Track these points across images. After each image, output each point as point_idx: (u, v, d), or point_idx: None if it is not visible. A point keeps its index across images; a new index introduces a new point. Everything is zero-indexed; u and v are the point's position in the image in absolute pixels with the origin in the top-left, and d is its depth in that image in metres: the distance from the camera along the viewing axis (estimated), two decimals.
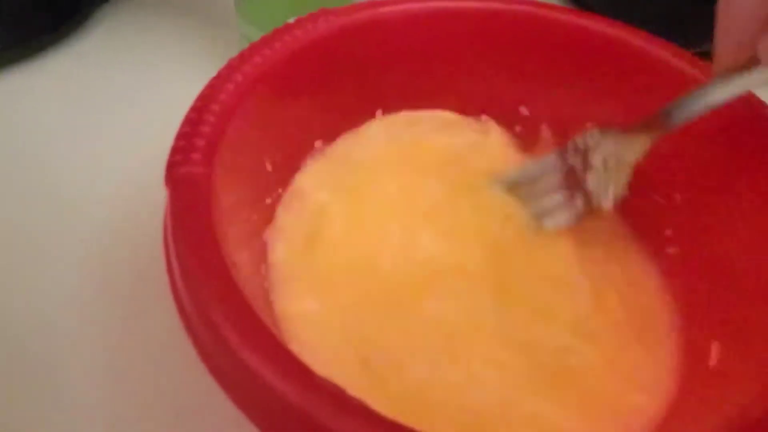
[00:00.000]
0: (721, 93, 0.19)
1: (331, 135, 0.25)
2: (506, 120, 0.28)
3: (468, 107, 0.27)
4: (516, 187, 0.23)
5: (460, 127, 0.27)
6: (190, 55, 0.36)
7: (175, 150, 0.18)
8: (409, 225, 0.24)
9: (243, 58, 0.21)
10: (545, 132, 0.28)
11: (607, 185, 0.19)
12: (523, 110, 0.27)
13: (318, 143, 0.25)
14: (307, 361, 0.14)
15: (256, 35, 0.30)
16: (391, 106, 0.27)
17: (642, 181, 0.25)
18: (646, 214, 0.24)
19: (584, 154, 0.20)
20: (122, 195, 0.28)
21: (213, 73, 0.33)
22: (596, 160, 0.20)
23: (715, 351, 0.20)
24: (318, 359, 0.15)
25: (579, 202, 0.21)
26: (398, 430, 0.13)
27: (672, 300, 0.22)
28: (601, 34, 0.25)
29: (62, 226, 0.26)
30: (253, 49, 0.22)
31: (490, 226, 0.23)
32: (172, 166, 0.18)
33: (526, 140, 0.27)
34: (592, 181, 0.20)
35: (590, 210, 0.21)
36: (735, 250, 0.22)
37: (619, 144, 0.19)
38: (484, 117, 0.28)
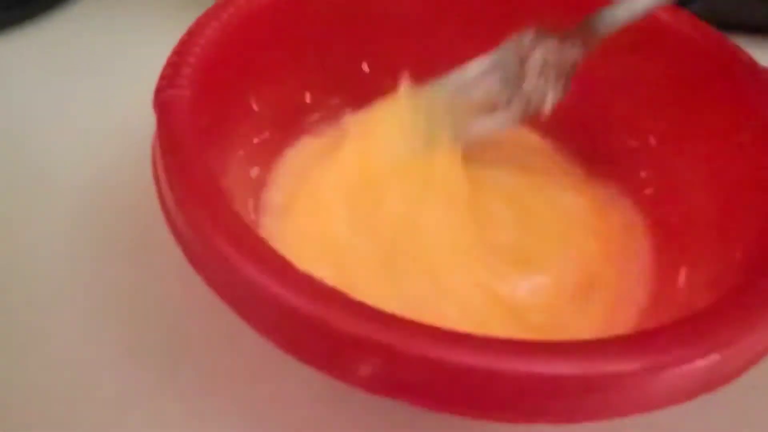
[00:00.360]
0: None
1: (324, 92, 0.26)
2: None
3: None
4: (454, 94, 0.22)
5: None
6: (173, 16, 0.36)
7: (163, 76, 0.19)
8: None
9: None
10: None
11: (546, 89, 0.19)
12: None
13: (308, 97, 0.26)
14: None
15: None
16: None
17: (618, 125, 0.26)
18: (622, 158, 0.25)
19: (521, 57, 0.20)
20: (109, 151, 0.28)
21: None
22: (534, 63, 0.19)
23: (682, 275, 0.20)
24: None
25: (515, 107, 0.21)
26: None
27: (646, 230, 0.23)
28: None
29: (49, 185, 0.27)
30: None
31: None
32: (159, 90, 0.18)
33: None
34: (529, 84, 0.20)
35: (526, 115, 0.20)
36: (701, 187, 0.22)
37: (556, 48, 0.19)
38: None
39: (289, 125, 0.25)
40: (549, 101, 0.20)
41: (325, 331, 0.13)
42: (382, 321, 0.13)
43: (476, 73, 0.22)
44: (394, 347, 0.13)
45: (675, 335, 0.14)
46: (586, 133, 0.26)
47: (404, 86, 0.23)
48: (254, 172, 0.23)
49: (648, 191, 0.25)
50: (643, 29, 0.24)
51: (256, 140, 0.23)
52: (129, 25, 0.36)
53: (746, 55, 0.23)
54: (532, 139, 0.26)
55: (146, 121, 0.27)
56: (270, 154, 0.24)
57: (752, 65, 0.23)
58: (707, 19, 0.24)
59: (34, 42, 0.34)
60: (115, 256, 0.24)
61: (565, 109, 0.23)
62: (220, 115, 0.20)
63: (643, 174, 0.25)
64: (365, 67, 0.28)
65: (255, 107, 0.23)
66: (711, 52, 0.23)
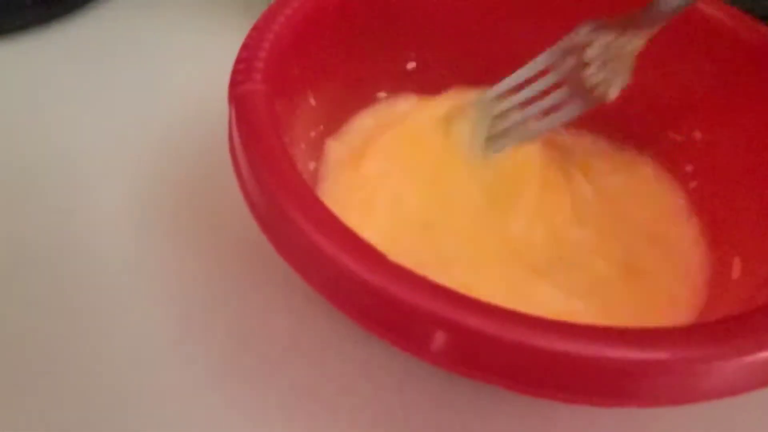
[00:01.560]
0: None
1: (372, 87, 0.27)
2: None
3: None
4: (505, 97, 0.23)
5: None
6: (217, 12, 0.37)
7: (237, 71, 0.19)
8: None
9: None
10: None
11: (609, 80, 0.20)
12: None
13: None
14: None
15: None
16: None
17: (661, 120, 0.26)
18: (667, 152, 0.26)
19: (578, 53, 0.20)
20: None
21: (242, 25, 0.34)
22: (592, 54, 0.20)
23: (737, 267, 0.21)
24: None
25: (578, 100, 0.21)
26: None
27: (697, 222, 0.23)
28: None
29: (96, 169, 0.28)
30: None
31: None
32: (234, 85, 0.19)
33: None
34: (591, 75, 0.20)
35: (590, 107, 0.21)
36: (746, 181, 0.23)
37: (615, 39, 0.20)
38: None
39: (339, 119, 0.26)
40: (613, 91, 0.20)
41: (404, 310, 0.14)
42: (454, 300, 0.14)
43: (533, 72, 0.22)
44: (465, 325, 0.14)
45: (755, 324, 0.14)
46: (630, 128, 0.27)
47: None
48: (312, 165, 0.24)
49: (693, 185, 0.25)
50: (689, 22, 0.25)
51: (312, 134, 0.24)
52: (156, 21, 0.37)
53: None
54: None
55: (181, 112, 0.28)
56: (322, 147, 0.25)
57: None
58: (751, 12, 0.25)
59: (63, 40, 0.34)
60: (182, 243, 0.25)
61: (613, 106, 0.24)
62: (287, 109, 0.21)
63: (688, 168, 0.26)
64: (411, 65, 0.28)
65: (312, 102, 0.24)
66: (754, 45, 0.24)
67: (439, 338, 0.15)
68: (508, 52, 0.24)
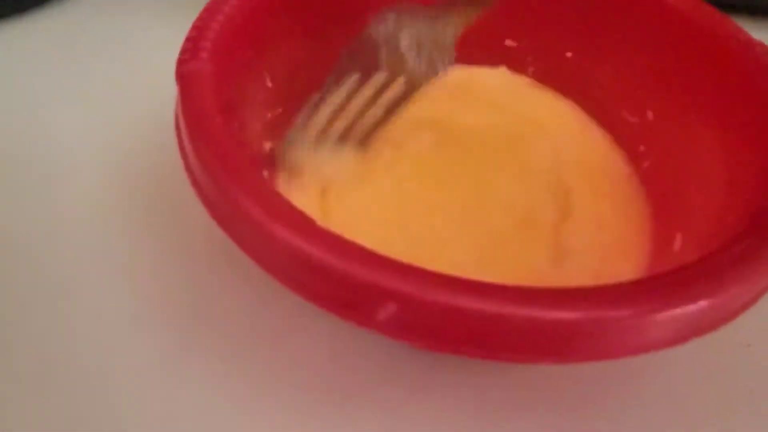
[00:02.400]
0: None
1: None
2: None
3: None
4: None
5: None
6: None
7: (184, 50, 0.20)
8: None
9: None
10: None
11: (430, 66, 0.19)
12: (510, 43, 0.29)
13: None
14: None
15: None
16: None
17: (615, 100, 0.27)
18: (620, 131, 0.26)
19: (391, 42, 0.20)
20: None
21: None
22: (404, 44, 0.19)
23: (678, 240, 0.21)
24: None
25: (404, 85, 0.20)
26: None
27: (644, 197, 0.24)
28: None
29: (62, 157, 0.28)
30: None
31: None
32: (181, 63, 0.19)
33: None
34: (411, 66, 0.19)
35: (417, 88, 0.20)
36: (696, 161, 0.23)
37: (427, 28, 0.19)
38: None
39: (300, 101, 0.27)
40: (437, 72, 0.19)
41: (349, 282, 0.15)
42: (397, 269, 0.15)
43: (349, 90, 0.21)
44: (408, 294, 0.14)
45: (668, 282, 0.15)
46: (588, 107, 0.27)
47: None
48: (267, 145, 0.24)
49: (645, 164, 0.26)
50: (645, 7, 0.25)
51: (269, 115, 0.24)
52: (132, 10, 0.37)
53: (742, 32, 0.24)
54: None
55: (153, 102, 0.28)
56: (282, 128, 0.26)
57: (747, 41, 0.23)
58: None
59: (40, 29, 0.34)
60: (143, 229, 0.25)
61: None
62: (238, 89, 0.21)
63: (641, 148, 0.26)
64: None
65: (269, 84, 0.24)
66: (706, 28, 0.24)
67: (384, 307, 0.15)
68: None
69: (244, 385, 0.21)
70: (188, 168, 0.18)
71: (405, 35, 0.19)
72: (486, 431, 0.20)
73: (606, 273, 0.22)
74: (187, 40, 0.20)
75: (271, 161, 0.24)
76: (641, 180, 0.25)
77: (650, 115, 0.26)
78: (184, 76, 0.19)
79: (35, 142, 0.29)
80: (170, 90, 0.28)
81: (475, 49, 0.29)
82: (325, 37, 0.26)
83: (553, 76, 0.29)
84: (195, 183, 0.18)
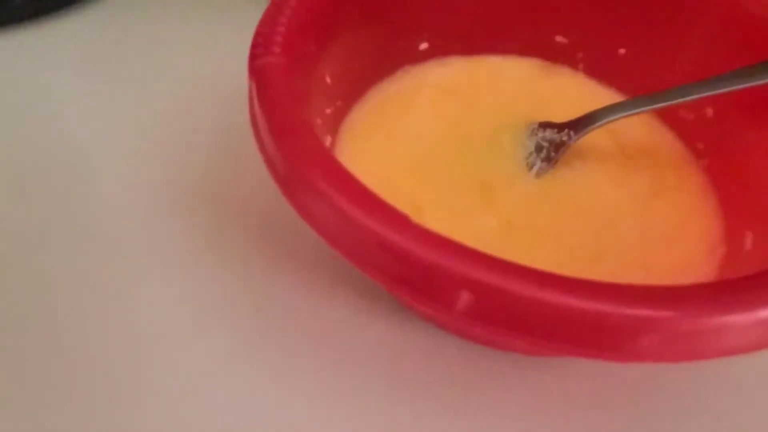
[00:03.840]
0: (637, 107, 0.24)
1: (387, 66, 0.27)
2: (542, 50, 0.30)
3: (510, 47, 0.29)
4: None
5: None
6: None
7: (256, 44, 0.20)
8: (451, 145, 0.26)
9: None
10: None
11: (535, 162, 0.25)
12: (560, 39, 0.29)
13: (375, 71, 0.27)
14: None
15: None
16: (444, 46, 0.29)
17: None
18: (678, 128, 0.26)
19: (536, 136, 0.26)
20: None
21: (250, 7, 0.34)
22: (531, 144, 0.26)
23: (749, 239, 0.21)
24: None
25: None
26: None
27: (712, 198, 0.24)
28: None
29: (115, 157, 0.28)
30: None
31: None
32: (253, 58, 0.19)
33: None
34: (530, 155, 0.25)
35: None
36: (760, 156, 0.23)
37: (552, 134, 0.25)
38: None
39: (355, 95, 0.27)
40: (535, 170, 0.25)
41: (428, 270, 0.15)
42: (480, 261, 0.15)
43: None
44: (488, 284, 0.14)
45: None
46: None
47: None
48: (328, 140, 0.24)
49: (704, 162, 0.25)
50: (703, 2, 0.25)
51: (328, 111, 0.24)
52: (155, 12, 0.37)
53: None
54: None
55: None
56: (338, 122, 0.25)
57: None
58: None
59: (64, 34, 0.34)
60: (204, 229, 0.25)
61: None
62: (304, 84, 0.21)
63: (700, 145, 0.26)
64: (423, 46, 0.29)
65: (328, 80, 0.24)
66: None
67: (464, 298, 0.15)
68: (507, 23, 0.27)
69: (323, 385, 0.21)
70: (268, 160, 0.18)
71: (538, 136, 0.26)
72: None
73: (678, 272, 0.21)
74: (258, 34, 0.20)
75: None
76: (705, 177, 0.25)
77: (709, 111, 0.26)
78: (258, 70, 0.19)
79: (72, 144, 0.29)
80: (204, 87, 0.28)
81: (526, 44, 0.29)
82: (379, 29, 0.26)
83: (606, 72, 0.29)
84: (276, 175, 0.18)
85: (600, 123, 0.24)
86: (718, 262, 0.22)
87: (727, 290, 0.15)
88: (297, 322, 0.22)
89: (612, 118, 0.24)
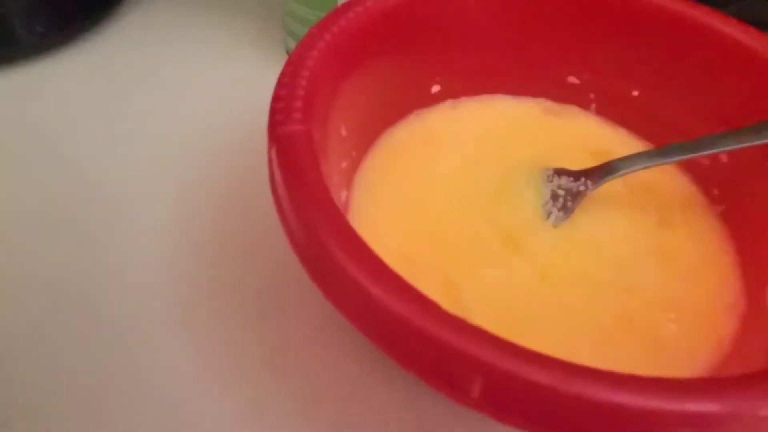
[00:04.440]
0: (656, 160, 0.24)
1: (399, 111, 0.27)
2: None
3: (522, 88, 0.29)
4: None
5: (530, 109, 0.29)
6: (230, 33, 0.37)
7: (275, 111, 0.19)
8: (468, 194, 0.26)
9: (322, 27, 0.23)
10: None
11: (551, 211, 0.25)
12: (572, 80, 0.29)
13: (387, 116, 0.27)
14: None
15: (302, 11, 0.32)
16: (457, 88, 0.29)
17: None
18: (693, 173, 0.26)
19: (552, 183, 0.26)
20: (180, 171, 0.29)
21: (255, 51, 0.34)
22: (547, 191, 0.26)
23: None
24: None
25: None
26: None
27: (730, 248, 0.24)
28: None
29: (126, 199, 0.28)
30: (329, 20, 0.23)
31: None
32: (275, 125, 0.19)
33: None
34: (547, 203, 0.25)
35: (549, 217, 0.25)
36: None
37: (568, 182, 0.26)
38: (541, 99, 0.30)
39: (368, 142, 0.26)
40: (552, 218, 0.25)
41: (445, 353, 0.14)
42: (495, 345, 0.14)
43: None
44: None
45: None
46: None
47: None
48: (344, 195, 0.24)
49: (720, 208, 0.25)
50: (715, 46, 0.25)
51: (344, 164, 0.24)
52: (191, 36, 0.37)
53: None
54: None
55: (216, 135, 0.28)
56: (352, 174, 0.25)
57: None
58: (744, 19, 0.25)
59: (78, 62, 0.34)
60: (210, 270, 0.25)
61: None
62: (322, 145, 0.21)
63: (715, 191, 0.26)
64: (435, 89, 0.28)
65: (344, 133, 0.24)
66: None
67: (485, 386, 0.15)
68: (519, 63, 0.28)
69: None
70: (292, 236, 0.18)
71: (554, 183, 0.26)
72: None
73: (700, 328, 0.21)
74: (278, 99, 0.20)
75: (346, 209, 0.24)
76: (722, 224, 0.25)
77: (724, 158, 0.26)
78: (281, 139, 0.19)
79: (87, 180, 0.28)
80: (219, 122, 0.28)
81: (539, 84, 0.29)
82: (393, 74, 0.26)
83: (618, 113, 0.29)
84: (298, 247, 0.17)
85: (618, 174, 0.24)
86: (738, 316, 0.22)
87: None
88: (311, 378, 0.22)
89: (630, 169, 0.24)
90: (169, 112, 0.32)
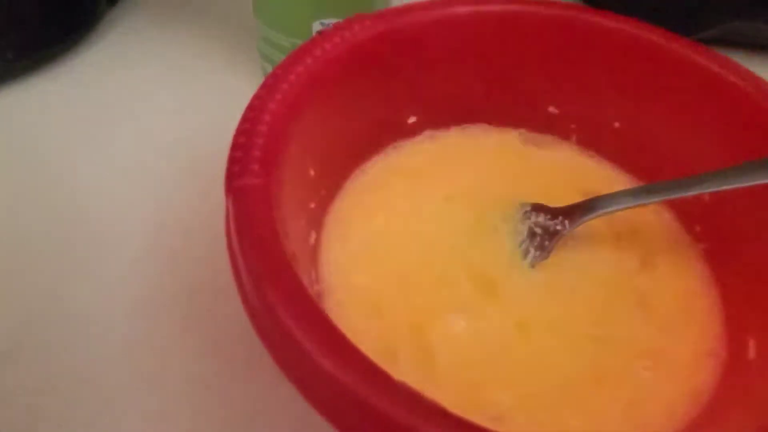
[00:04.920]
0: (639, 199, 0.23)
1: (375, 145, 0.26)
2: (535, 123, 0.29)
3: (502, 117, 0.28)
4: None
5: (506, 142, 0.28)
6: (205, 57, 0.36)
7: (234, 161, 0.19)
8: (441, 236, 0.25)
9: (286, 67, 0.22)
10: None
11: (531, 248, 0.24)
12: (552, 110, 0.28)
13: (361, 151, 0.26)
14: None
15: (276, 38, 0.31)
16: (435, 118, 0.28)
17: (668, 174, 0.26)
18: (675, 209, 0.26)
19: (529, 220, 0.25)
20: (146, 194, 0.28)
21: (230, 75, 0.33)
22: (524, 229, 0.25)
23: (752, 346, 0.20)
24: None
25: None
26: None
27: (713, 291, 0.23)
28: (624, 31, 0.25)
29: (91, 235, 0.27)
30: (295, 57, 0.22)
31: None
32: (231, 177, 0.18)
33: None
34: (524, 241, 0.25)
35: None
36: (759, 242, 0.22)
37: (545, 220, 0.25)
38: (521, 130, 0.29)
39: (338, 182, 0.26)
40: (529, 258, 0.24)
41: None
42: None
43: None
44: None
45: None
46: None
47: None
48: (312, 237, 0.23)
49: (702, 246, 0.25)
50: (696, 79, 0.24)
51: (313, 205, 0.23)
52: (165, 58, 0.36)
53: None
54: None
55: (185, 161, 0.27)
56: (322, 213, 0.25)
57: None
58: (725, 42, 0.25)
59: (46, 92, 0.34)
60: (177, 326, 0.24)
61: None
62: (287, 191, 0.20)
63: (697, 228, 0.25)
64: (411, 119, 0.28)
65: (312, 173, 0.23)
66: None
67: None
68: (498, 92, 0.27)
69: None
70: (242, 291, 0.17)
71: (530, 221, 0.25)
72: None
73: (677, 379, 0.21)
74: (236, 148, 0.19)
75: (315, 252, 0.23)
76: (705, 264, 0.24)
77: (705, 196, 0.25)
78: (236, 191, 0.18)
79: (58, 213, 0.28)
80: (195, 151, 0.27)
81: (519, 114, 0.29)
82: (365, 108, 0.26)
83: (600, 145, 0.28)
84: (246, 302, 0.17)
85: (598, 214, 0.24)
86: (720, 366, 0.21)
87: None
88: None
89: (611, 209, 0.23)
90: (144, 137, 0.31)
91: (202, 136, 0.31)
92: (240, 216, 0.17)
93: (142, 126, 0.32)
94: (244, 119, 0.20)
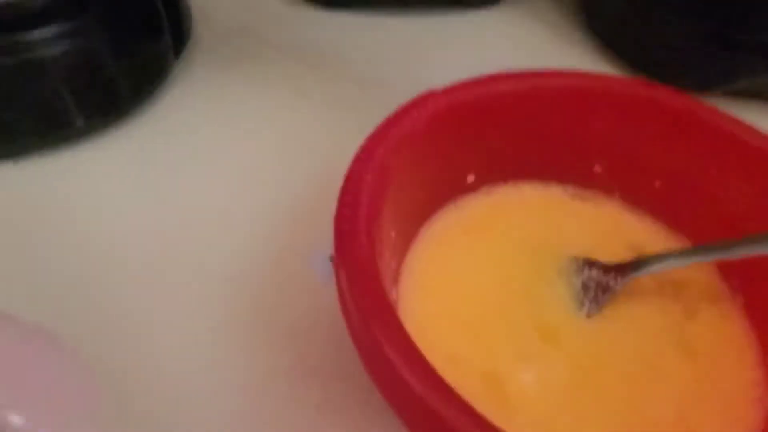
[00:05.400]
0: (685, 260, 0.26)
1: (438, 203, 0.29)
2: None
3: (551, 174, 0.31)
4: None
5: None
6: (274, 107, 0.38)
7: (343, 231, 0.21)
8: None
9: (376, 139, 0.25)
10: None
11: (583, 302, 0.27)
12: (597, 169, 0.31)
13: (427, 210, 0.29)
14: None
15: None
16: (490, 176, 0.31)
17: (706, 231, 0.28)
18: (717, 263, 0.28)
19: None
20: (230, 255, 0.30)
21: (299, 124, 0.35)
22: (578, 281, 0.27)
23: None
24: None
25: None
26: None
27: (753, 340, 0.26)
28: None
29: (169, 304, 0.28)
30: (383, 130, 0.25)
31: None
32: (342, 242, 0.21)
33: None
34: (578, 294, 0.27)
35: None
36: None
37: (598, 275, 0.27)
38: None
39: (409, 240, 0.28)
40: (585, 309, 0.27)
41: None
42: None
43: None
44: None
45: None
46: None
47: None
48: (393, 294, 0.26)
49: (739, 299, 0.27)
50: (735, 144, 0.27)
51: (394, 264, 0.26)
52: (233, 111, 0.38)
53: None
54: None
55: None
56: (399, 272, 0.27)
57: None
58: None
59: (120, 147, 0.35)
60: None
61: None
62: (380, 252, 0.23)
63: (735, 282, 0.28)
64: (470, 178, 0.30)
65: (393, 235, 0.26)
66: None
67: None
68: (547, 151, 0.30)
69: None
70: (356, 341, 0.20)
71: (584, 275, 0.28)
72: None
73: (725, 423, 0.23)
74: (341, 219, 0.22)
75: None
76: (744, 316, 0.27)
77: None
78: (348, 260, 0.20)
79: (135, 256, 0.29)
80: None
81: (566, 171, 0.31)
82: (432, 171, 0.28)
83: (642, 202, 0.31)
84: (362, 350, 0.19)
85: (648, 271, 0.26)
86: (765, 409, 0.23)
87: None
88: None
89: (660, 268, 0.26)
90: (209, 201, 0.32)
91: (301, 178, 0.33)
92: (354, 281, 0.20)
93: (208, 187, 0.33)
94: (346, 191, 0.23)
